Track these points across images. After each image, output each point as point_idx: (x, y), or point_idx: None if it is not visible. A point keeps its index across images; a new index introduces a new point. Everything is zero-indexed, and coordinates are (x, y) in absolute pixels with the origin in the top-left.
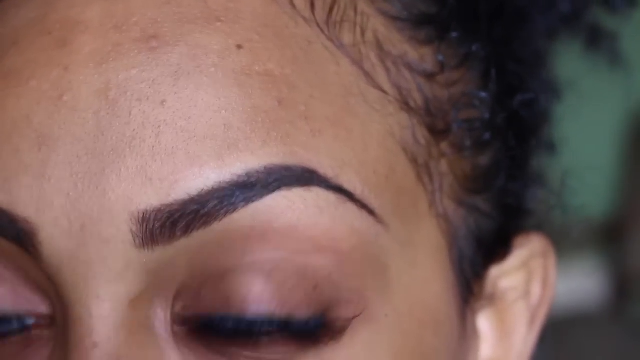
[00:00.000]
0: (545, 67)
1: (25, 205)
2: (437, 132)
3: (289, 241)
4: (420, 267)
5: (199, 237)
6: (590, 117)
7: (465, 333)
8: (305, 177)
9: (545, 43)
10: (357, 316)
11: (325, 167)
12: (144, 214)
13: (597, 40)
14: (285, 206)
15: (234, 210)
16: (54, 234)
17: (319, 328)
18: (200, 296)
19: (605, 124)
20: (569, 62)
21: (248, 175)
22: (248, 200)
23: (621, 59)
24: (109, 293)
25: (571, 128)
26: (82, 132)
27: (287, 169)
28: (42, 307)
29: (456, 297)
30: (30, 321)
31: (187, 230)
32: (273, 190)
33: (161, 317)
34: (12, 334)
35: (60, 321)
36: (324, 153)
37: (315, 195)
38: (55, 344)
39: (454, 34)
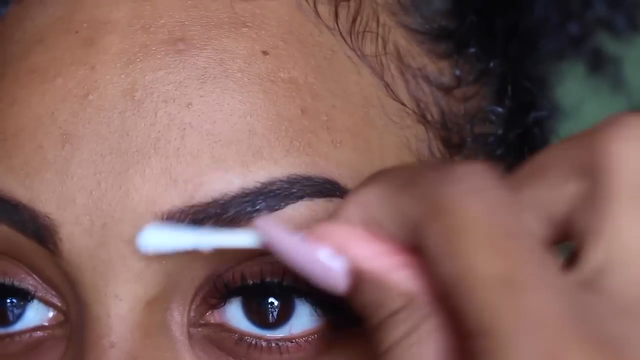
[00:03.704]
0: (552, 87)
1: (47, 201)
2: (452, 145)
3: None
4: None
5: None
6: None
7: None
8: (327, 188)
9: (554, 64)
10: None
11: (345, 178)
12: (167, 214)
13: (601, 65)
14: (308, 216)
15: (257, 218)
16: (74, 231)
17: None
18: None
19: None
20: (573, 86)
21: (271, 183)
22: (270, 209)
23: (623, 83)
24: (128, 293)
25: None
26: (107, 131)
27: (309, 179)
28: (56, 305)
29: None
30: (49, 314)
31: None
32: (295, 200)
33: (178, 320)
34: (26, 332)
35: (75, 320)
36: (344, 164)
37: (337, 206)
38: (68, 343)
39: (472, 50)
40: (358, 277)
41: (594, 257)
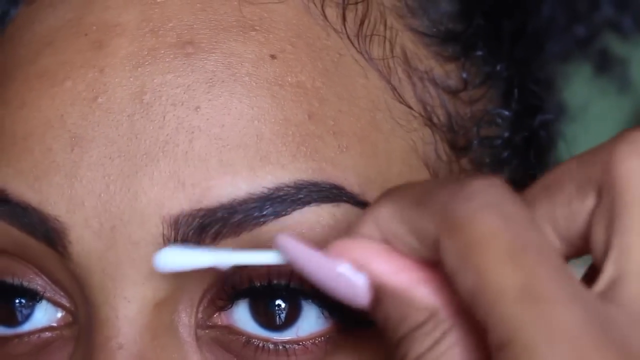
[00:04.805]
0: (559, 89)
1: (56, 204)
2: (458, 148)
3: None
4: None
5: (227, 245)
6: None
7: None
8: (333, 194)
9: (561, 65)
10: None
11: (352, 184)
12: (176, 218)
13: (607, 66)
14: (315, 221)
15: (263, 223)
16: (84, 234)
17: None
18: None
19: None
20: (579, 87)
21: (278, 189)
22: (277, 215)
23: (630, 85)
24: (137, 295)
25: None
26: (116, 134)
27: (315, 185)
28: (65, 306)
29: None
30: (57, 315)
31: (216, 238)
32: (302, 206)
33: (185, 321)
34: (34, 333)
35: (83, 321)
36: (351, 170)
37: (343, 211)
38: (76, 344)
39: (479, 52)
40: (380, 292)
41: (610, 269)
